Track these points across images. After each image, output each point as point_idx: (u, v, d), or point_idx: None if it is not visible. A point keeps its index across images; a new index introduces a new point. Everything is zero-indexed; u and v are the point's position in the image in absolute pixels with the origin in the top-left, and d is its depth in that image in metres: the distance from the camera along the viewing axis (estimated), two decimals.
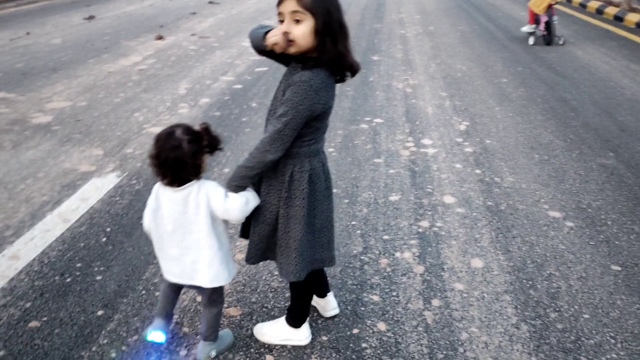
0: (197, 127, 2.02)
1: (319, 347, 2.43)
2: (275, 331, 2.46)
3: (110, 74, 7.13)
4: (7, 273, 2.85)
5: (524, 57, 8.21)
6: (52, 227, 3.30)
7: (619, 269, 3.02)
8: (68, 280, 2.82)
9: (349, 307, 2.69)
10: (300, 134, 1.94)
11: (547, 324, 2.58)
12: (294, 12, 1.82)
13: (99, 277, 2.85)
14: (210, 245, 2.06)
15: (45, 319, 2.54)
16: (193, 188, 2.01)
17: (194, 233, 2.05)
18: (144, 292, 2.76)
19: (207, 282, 2.12)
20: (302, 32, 1.84)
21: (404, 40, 9.49)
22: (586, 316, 2.63)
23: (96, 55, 8.15)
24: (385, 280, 2.92)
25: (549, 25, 8.76)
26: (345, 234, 3.35)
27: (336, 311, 2.64)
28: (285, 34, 1.85)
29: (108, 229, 3.31)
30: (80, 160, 4.31)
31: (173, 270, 2.17)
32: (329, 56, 1.85)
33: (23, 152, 4.41)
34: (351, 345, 2.45)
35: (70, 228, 3.30)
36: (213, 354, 2.33)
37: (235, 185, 2.02)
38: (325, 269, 2.55)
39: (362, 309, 2.68)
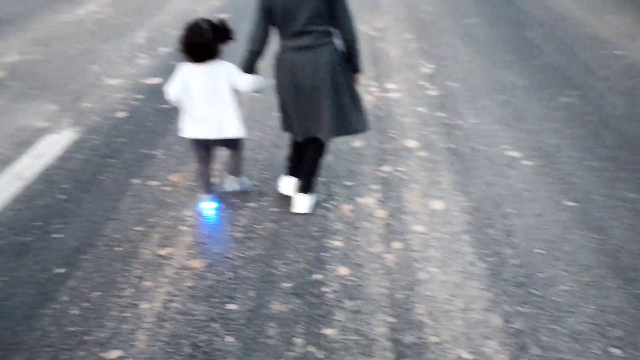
0: (215, 21, 2.69)
1: (281, 294, 2.47)
2: None
3: (66, 24, 6.83)
4: None
5: None
6: (6, 186, 3.22)
7: (574, 204, 3.10)
8: (27, 239, 2.79)
9: (311, 253, 2.72)
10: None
11: (503, 260, 2.66)
12: None
13: (58, 235, 2.82)
14: (233, 105, 2.79)
15: (4, 279, 2.52)
16: (215, 64, 2.71)
17: (221, 95, 2.76)
18: (104, 247, 2.74)
19: (235, 133, 2.84)
20: None
21: None
22: (540, 251, 2.72)
23: (50, 5, 7.77)
24: (347, 225, 2.95)
25: None
26: None
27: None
28: None
29: (66, 186, 3.25)
30: (35, 116, 4.17)
31: (202, 128, 2.81)
32: None
33: None
34: (312, 290, 2.49)
35: (27, 186, 3.23)
36: (237, 186, 3.19)
37: None
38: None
39: (325, 254, 2.72)
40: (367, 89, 4.77)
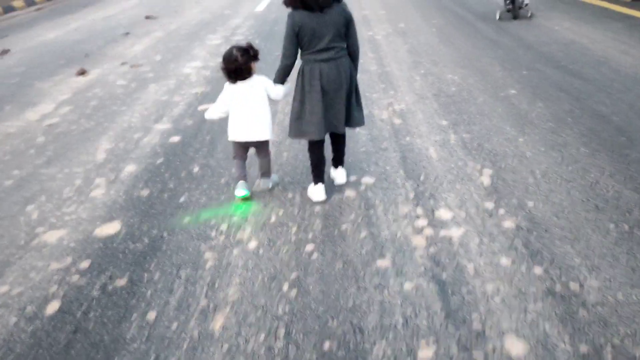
0: (244, 44, 3.44)
1: None
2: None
3: (7, 137, 5.44)
4: None
5: (522, 54, 6.78)
6: None
7: None
8: None
9: None
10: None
11: None
12: None
13: None
14: (268, 111, 3.59)
15: None
16: (253, 79, 3.50)
17: (258, 103, 3.52)
18: None
19: (266, 135, 3.59)
20: None
21: (375, 45, 7.96)
22: None
23: None
24: None
25: None
26: None
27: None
28: None
29: None
30: None
31: (242, 131, 3.57)
32: None
33: None
34: None
35: None
36: (270, 184, 3.85)
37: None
38: None
39: None
40: (414, 222, 3.31)
